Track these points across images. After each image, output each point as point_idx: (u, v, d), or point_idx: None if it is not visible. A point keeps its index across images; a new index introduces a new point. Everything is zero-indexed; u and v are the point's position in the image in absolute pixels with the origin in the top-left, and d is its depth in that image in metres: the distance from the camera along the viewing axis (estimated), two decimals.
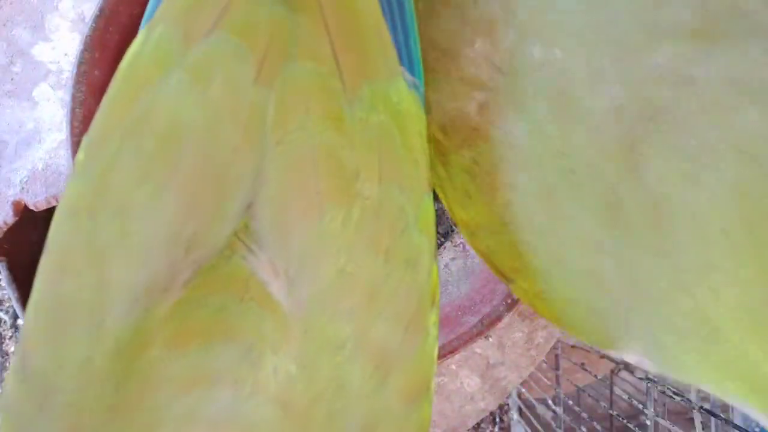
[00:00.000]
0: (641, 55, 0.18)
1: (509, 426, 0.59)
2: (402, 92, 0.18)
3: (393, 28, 0.19)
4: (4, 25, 0.39)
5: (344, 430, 0.15)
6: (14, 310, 0.57)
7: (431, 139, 0.21)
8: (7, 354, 0.57)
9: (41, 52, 0.39)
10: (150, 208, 0.15)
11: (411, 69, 0.20)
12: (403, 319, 0.17)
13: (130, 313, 0.15)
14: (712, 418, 0.39)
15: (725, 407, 0.49)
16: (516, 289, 0.22)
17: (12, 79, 0.39)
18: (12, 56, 0.39)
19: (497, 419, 0.59)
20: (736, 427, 0.36)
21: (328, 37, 0.17)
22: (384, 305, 0.16)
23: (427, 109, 0.21)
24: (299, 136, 0.16)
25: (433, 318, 0.18)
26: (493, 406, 0.43)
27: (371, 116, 0.17)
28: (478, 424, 0.59)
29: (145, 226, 0.15)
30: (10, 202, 0.38)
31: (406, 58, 0.19)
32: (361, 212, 0.16)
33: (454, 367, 0.42)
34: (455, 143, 0.21)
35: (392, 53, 0.19)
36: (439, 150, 0.22)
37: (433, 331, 0.18)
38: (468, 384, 0.43)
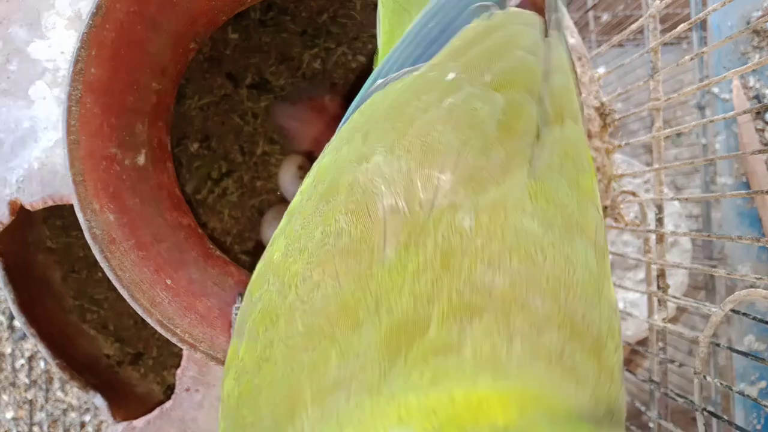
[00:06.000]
0: None
1: None
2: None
3: None
4: (0, 23, 0.39)
5: None
6: (10, 311, 0.56)
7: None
8: (2, 355, 0.56)
9: (37, 50, 0.39)
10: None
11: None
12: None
13: None
14: (714, 420, 0.39)
15: (727, 408, 0.49)
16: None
17: (8, 78, 0.38)
18: (8, 54, 0.39)
19: None
20: (738, 428, 0.36)
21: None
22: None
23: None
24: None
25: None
26: None
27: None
28: None
29: None
30: (6, 202, 0.37)
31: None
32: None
33: None
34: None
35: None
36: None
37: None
38: None
